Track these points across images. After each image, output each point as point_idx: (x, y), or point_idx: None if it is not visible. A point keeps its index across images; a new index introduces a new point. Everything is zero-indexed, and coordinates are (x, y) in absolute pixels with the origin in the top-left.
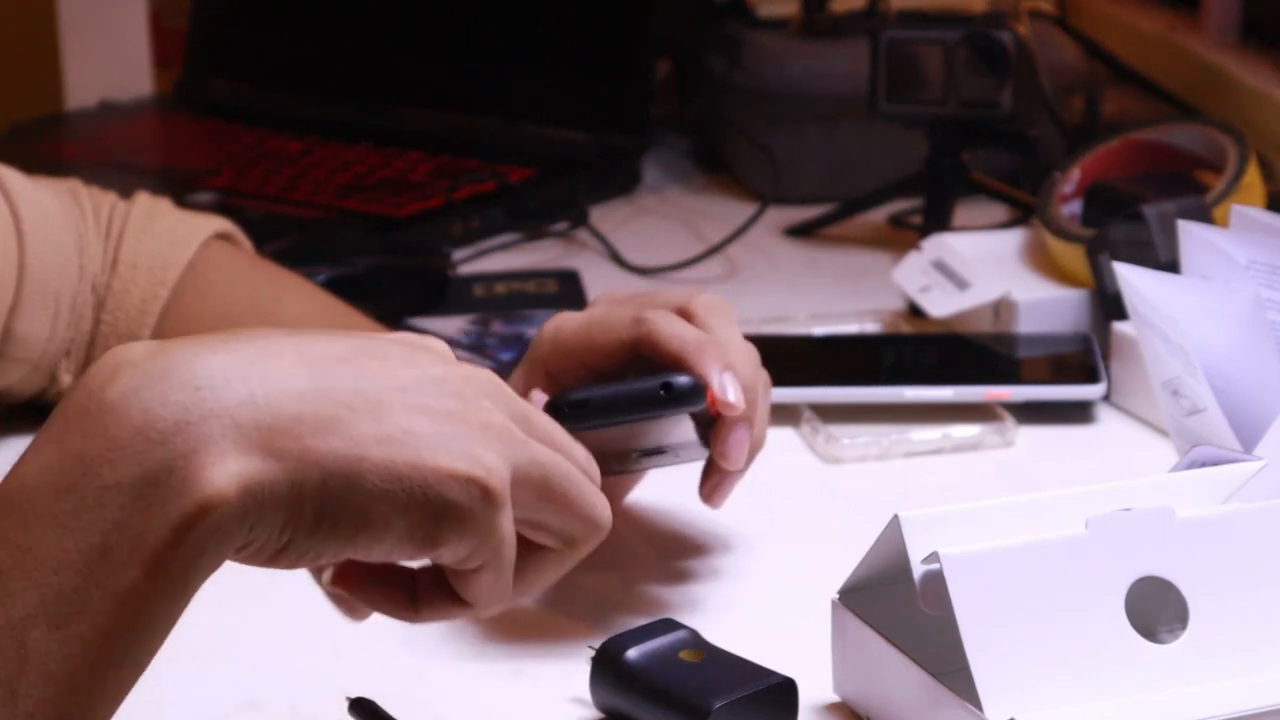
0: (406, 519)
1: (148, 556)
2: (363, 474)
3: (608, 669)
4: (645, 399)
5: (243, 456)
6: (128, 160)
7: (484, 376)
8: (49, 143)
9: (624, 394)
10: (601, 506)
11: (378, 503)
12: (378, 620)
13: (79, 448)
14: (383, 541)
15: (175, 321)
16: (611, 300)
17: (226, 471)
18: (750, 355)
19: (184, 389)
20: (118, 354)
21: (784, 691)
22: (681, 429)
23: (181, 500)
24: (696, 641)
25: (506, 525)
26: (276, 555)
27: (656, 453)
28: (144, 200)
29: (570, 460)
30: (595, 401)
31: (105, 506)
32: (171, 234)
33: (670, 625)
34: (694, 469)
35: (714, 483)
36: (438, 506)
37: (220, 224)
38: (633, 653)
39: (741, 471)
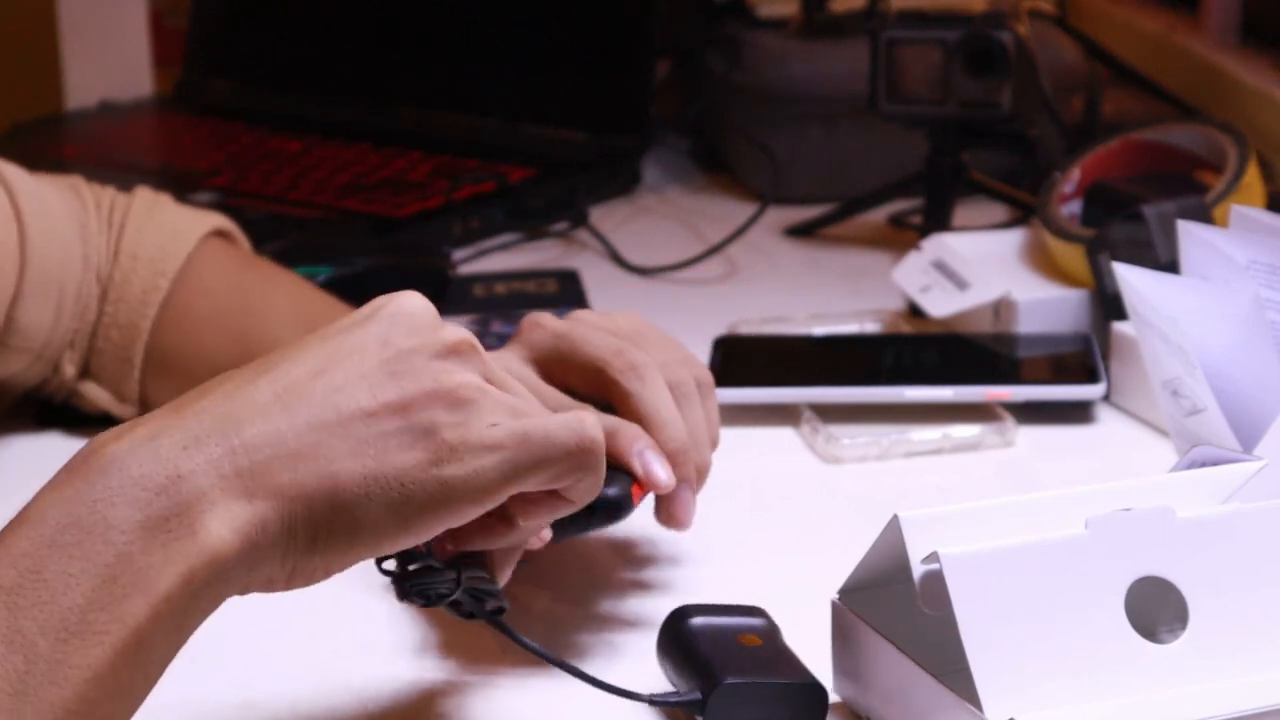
0: (395, 514)
1: (151, 591)
2: (340, 489)
3: (669, 630)
4: (576, 521)
5: (235, 503)
6: (128, 160)
7: (440, 343)
8: (49, 143)
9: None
10: (567, 430)
11: (362, 509)
12: (378, 620)
13: (82, 491)
14: (382, 539)
15: (171, 317)
16: (530, 344)
17: (221, 519)
18: (673, 409)
19: (172, 448)
20: (112, 431)
21: (807, 693)
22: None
23: (185, 547)
24: (766, 630)
25: (498, 466)
26: (288, 581)
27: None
28: (145, 194)
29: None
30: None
31: (110, 542)
32: (173, 226)
33: (754, 611)
34: None
35: (665, 521)
36: (418, 493)
37: (219, 221)
38: (697, 620)
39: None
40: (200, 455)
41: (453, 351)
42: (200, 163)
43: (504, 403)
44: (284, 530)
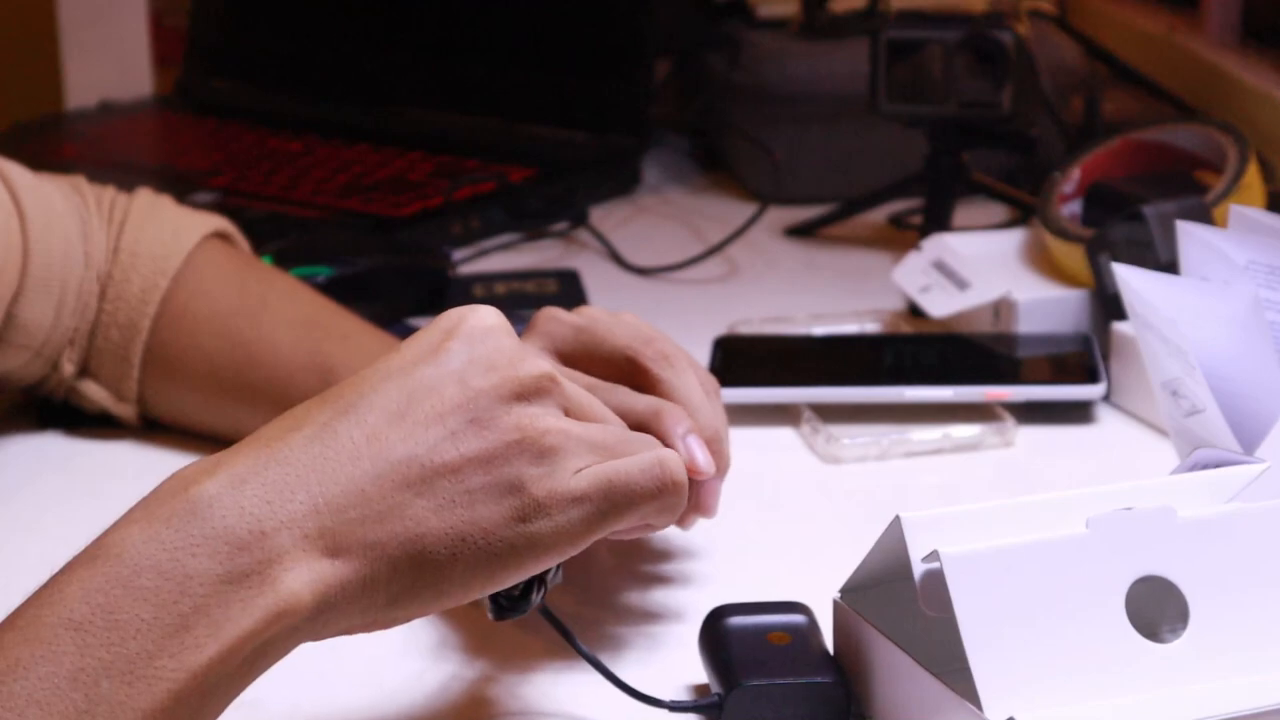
0: (480, 570)
1: (223, 643)
2: (425, 550)
3: (706, 630)
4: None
5: (316, 562)
6: (128, 160)
7: (517, 383)
8: (49, 142)
9: None
10: (649, 475)
11: (447, 568)
12: None
13: (165, 535)
14: (467, 593)
15: (170, 316)
16: (551, 335)
17: (300, 579)
18: (704, 397)
19: (257, 501)
20: (199, 465)
21: (827, 691)
22: None
23: (262, 603)
24: (800, 627)
25: (585, 518)
26: (365, 629)
27: None
28: (146, 194)
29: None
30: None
31: (187, 592)
32: (173, 226)
33: (793, 608)
34: None
35: (698, 502)
36: (503, 549)
37: (219, 223)
38: (733, 619)
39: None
40: (284, 511)
41: (534, 391)
42: (200, 163)
43: (587, 441)
44: (364, 589)
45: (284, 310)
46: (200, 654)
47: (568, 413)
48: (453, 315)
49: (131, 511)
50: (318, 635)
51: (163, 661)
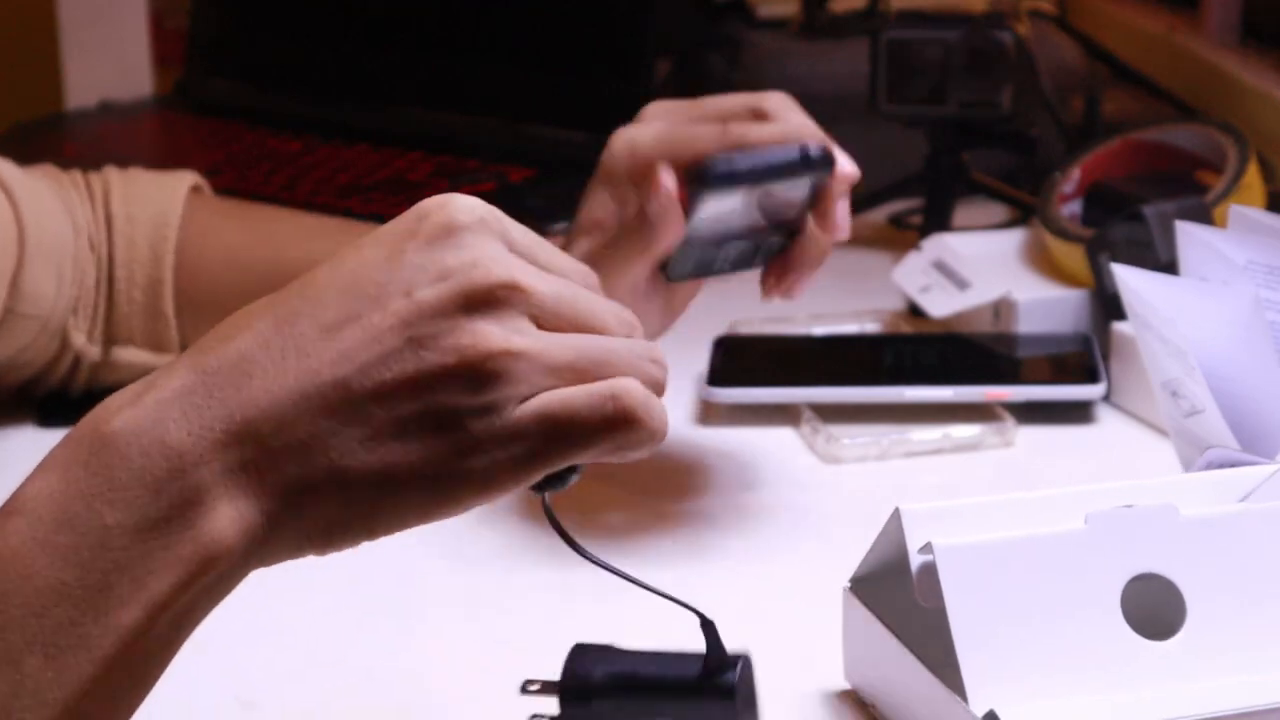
0: (412, 505)
1: (149, 598)
2: (352, 485)
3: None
4: (784, 165)
5: (237, 501)
6: (128, 160)
7: (466, 294)
8: (49, 142)
9: (764, 162)
10: (592, 406)
11: (375, 502)
12: (373, 623)
13: (81, 483)
14: (403, 524)
15: (189, 262)
16: (669, 110)
17: (223, 521)
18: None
19: (177, 431)
20: (124, 393)
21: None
22: (787, 206)
23: (185, 550)
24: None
25: (522, 457)
26: (315, 553)
27: (742, 249)
28: (114, 168)
29: (576, 281)
30: (740, 171)
31: (107, 547)
32: (156, 184)
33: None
34: (694, 468)
35: (795, 276)
36: (434, 485)
37: (193, 177)
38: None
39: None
40: (204, 441)
41: (487, 301)
42: (200, 163)
43: (544, 363)
44: (291, 526)
45: (296, 227)
46: (125, 612)
47: (539, 321)
48: (425, 205)
49: (53, 452)
50: (249, 572)
51: (87, 627)
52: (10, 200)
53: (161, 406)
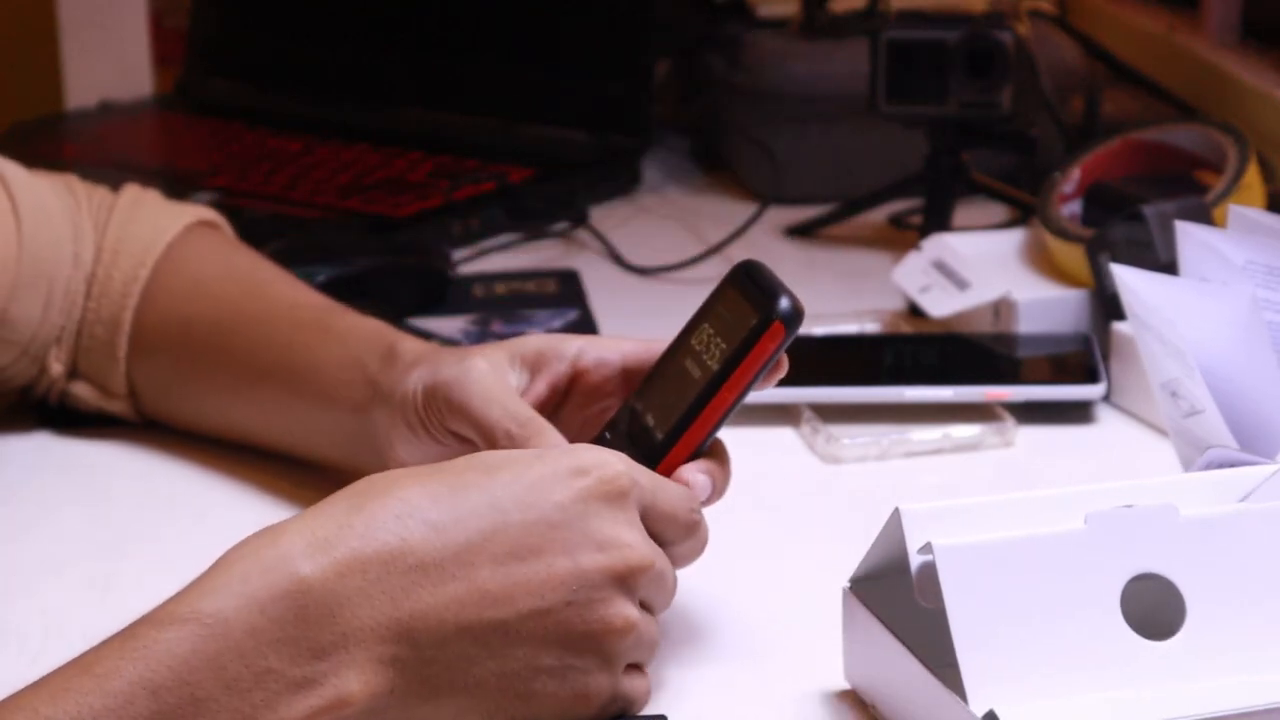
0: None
1: None
2: (473, 705)
3: None
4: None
5: (375, 679)
6: (128, 160)
7: (622, 571)
8: (49, 142)
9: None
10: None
11: (490, 715)
12: None
13: (258, 620)
14: None
15: (151, 296)
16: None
17: (357, 686)
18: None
19: (349, 600)
20: (303, 529)
21: None
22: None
23: (321, 703)
24: None
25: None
26: None
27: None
28: (131, 190)
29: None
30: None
31: (263, 687)
32: (154, 221)
33: None
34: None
35: None
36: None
37: (204, 212)
38: None
39: None
40: (369, 622)
41: (632, 577)
42: (200, 163)
43: (645, 642)
44: (403, 713)
45: (275, 274)
46: None
47: (642, 602)
48: (586, 459)
49: (227, 576)
50: None
51: None
52: (16, 221)
53: (338, 573)
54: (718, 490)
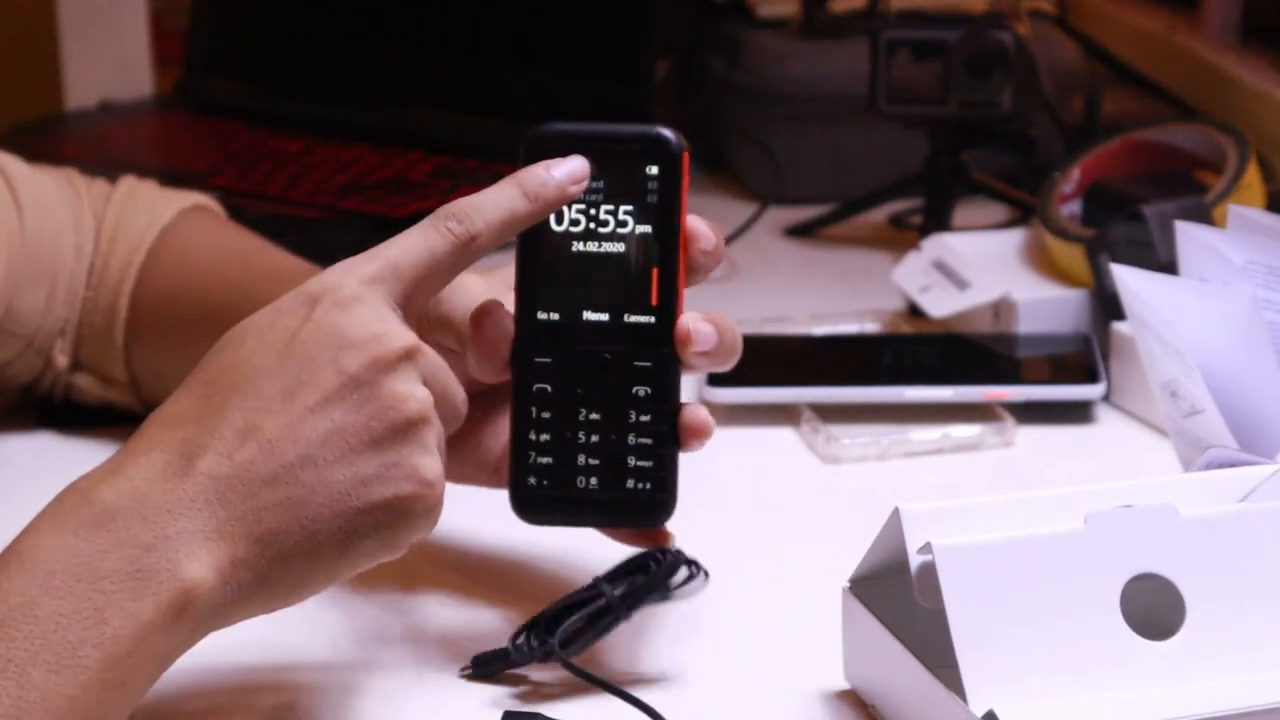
0: (372, 555)
1: (137, 632)
2: (320, 545)
3: None
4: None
5: (215, 560)
6: (128, 160)
7: (383, 357)
8: (49, 142)
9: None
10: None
11: (339, 557)
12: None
13: (74, 544)
14: (356, 569)
15: (147, 281)
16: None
17: (203, 572)
18: None
19: (157, 511)
20: (98, 473)
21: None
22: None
23: (169, 594)
24: None
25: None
26: (268, 611)
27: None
28: (128, 181)
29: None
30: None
31: (101, 590)
32: (149, 208)
33: None
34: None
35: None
36: (397, 527)
37: (198, 198)
38: None
39: None
40: (184, 520)
41: (398, 357)
42: (200, 163)
43: (447, 409)
44: (261, 580)
45: (262, 247)
46: (117, 643)
47: (425, 379)
48: (314, 288)
49: (37, 523)
50: (224, 623)
51: (84, 651)
52: (18, 215)
53: (137, 494)
54: (726, 345)
